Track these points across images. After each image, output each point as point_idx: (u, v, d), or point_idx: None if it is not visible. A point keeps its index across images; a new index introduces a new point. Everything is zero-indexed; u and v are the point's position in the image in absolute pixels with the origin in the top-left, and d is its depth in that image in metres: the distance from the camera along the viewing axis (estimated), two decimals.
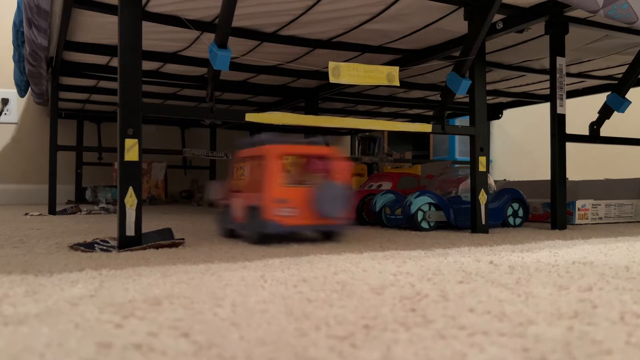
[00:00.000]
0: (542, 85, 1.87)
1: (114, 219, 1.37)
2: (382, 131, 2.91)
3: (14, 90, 2.41)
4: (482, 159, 1.03)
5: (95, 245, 0.74)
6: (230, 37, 1.22)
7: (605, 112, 1.23)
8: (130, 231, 0.72)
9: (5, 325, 0.33)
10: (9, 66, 2.33)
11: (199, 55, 1.43)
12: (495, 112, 2.35)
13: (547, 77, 1.67)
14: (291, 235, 0.90)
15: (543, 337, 0.31)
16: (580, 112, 2.13)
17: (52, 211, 1.56)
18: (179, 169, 2.79)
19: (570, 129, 1.14)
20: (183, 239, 0.78)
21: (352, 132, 3.09)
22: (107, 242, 0.77)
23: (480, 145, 1.03)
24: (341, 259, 0.63)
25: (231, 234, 0.91)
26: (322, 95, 1.86)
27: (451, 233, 1.02)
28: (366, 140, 3.02)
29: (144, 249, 0.71)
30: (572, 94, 1.91)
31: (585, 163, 2.59)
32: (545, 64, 1.54)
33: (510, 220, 1.18)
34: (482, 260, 0.62)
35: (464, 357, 0.28)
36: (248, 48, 1.34)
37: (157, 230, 0.84)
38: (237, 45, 1.31)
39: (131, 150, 0.71)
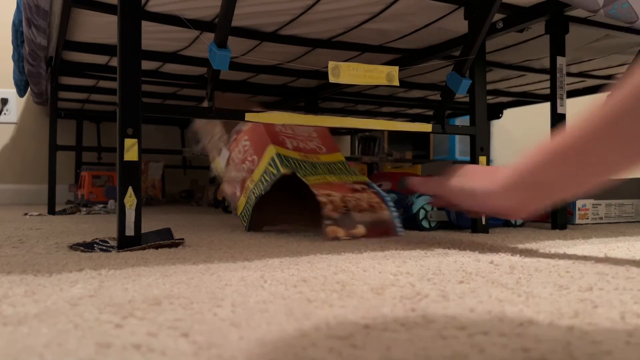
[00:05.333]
0: (542, 85, 1.87)
1: (114, 219, 1.37)
2: (382, 131, 2.91)
3: (13, 90, 2.41)
4: (482, 159, 1.03)
5: (95, 245, 0.74)
6: (229, 37, 1.22)
7: None
8: (129, 231, 0.71)
9: (5, 325, 0.33)
10: (8, 66, 2.33)
11: (198, 55, 1.43)
12: (496, 112, 2.35)
13: (548, 76, 1.67)
14: (290, 234, 0.89)
15: (543, 337, 0.31)
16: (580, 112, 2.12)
17: (51, 211, 1.56)
18: (178, 169, 2.78)
19: None
20: (182, 239, 0.78)
21: (352, 132, 3.09)
22: (107, 242, 0.77)
23: (480, 145, 1.03)
24: (341, 259, 0.63)
25: None
26: (322, 95, 1.86)
27: (451, 233, 1.02)
28: (366, 140, 3.02)
29: (144, 249, 0.71)
30: (572, 94, 1.91)
31: None
32: (546, 63, 1.54)
33: (511, 220, 1.17)
34: (483, 260, 0.62)
35: (464, 357, 0.28)
36: (248, 48, 1.34)
37: (157, 230, 0.84)
38: (236, 45, 1.31)
39: (131, 150, 0.71)
